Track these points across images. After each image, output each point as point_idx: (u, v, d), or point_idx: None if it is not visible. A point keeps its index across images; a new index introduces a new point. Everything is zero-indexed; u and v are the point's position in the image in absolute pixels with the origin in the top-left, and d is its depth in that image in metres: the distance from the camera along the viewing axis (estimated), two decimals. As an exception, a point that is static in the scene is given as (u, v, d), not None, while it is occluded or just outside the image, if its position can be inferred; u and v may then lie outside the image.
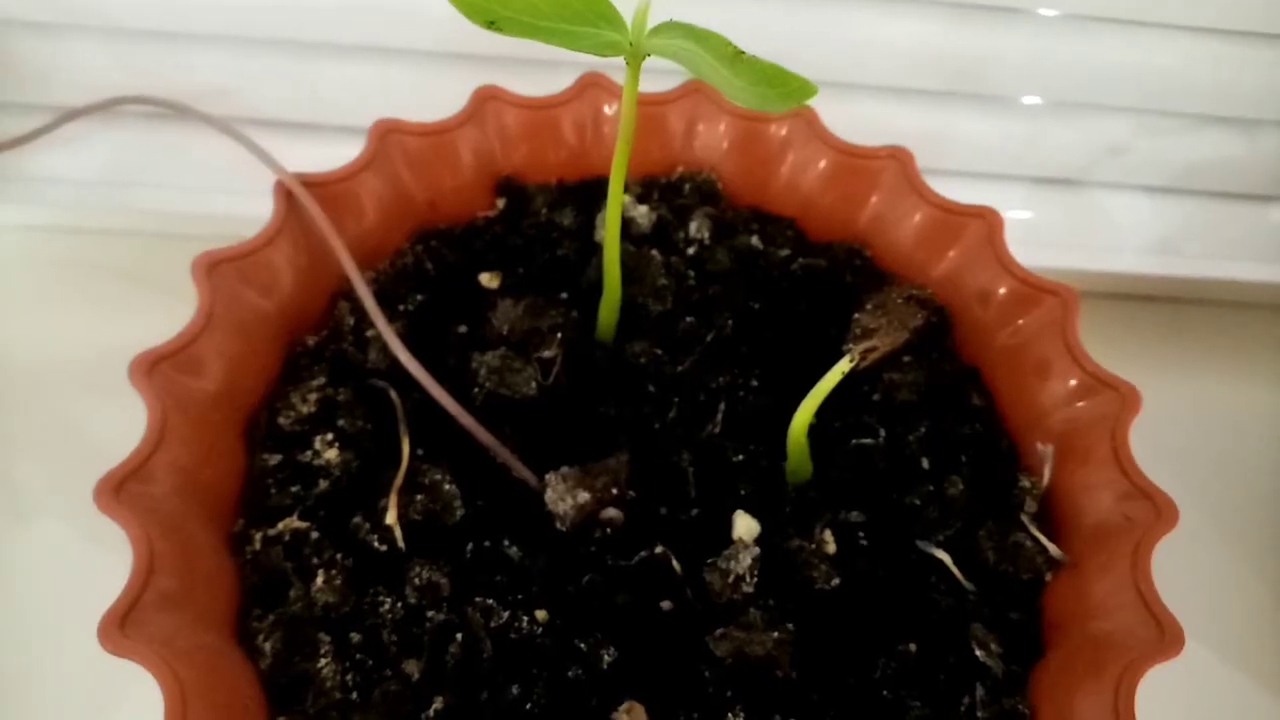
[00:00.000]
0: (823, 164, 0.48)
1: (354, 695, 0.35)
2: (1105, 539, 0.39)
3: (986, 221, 0.45)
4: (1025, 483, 0.41)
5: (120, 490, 0.34)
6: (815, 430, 0.43)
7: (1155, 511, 0.37)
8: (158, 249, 0.56)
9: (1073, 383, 0.42)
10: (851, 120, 0.49)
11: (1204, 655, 0.52)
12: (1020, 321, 0.44)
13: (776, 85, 0.33)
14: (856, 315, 0.40)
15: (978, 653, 0.37)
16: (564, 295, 0.46)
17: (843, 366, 0.38)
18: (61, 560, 0.49)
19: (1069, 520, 0.41)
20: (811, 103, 0.49)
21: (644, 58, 0.33)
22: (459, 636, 0.36)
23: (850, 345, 0.39)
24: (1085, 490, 0.40)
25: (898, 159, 0.47)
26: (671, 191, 0.50)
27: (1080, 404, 0.42)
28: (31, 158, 0.57)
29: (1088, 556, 0.39)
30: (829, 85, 0.57)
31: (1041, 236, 0.63)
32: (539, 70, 0.50)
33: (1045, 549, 0.40)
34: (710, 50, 0.33)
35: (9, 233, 0.62)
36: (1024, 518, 0.40)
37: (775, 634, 0.36)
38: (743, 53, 0.33)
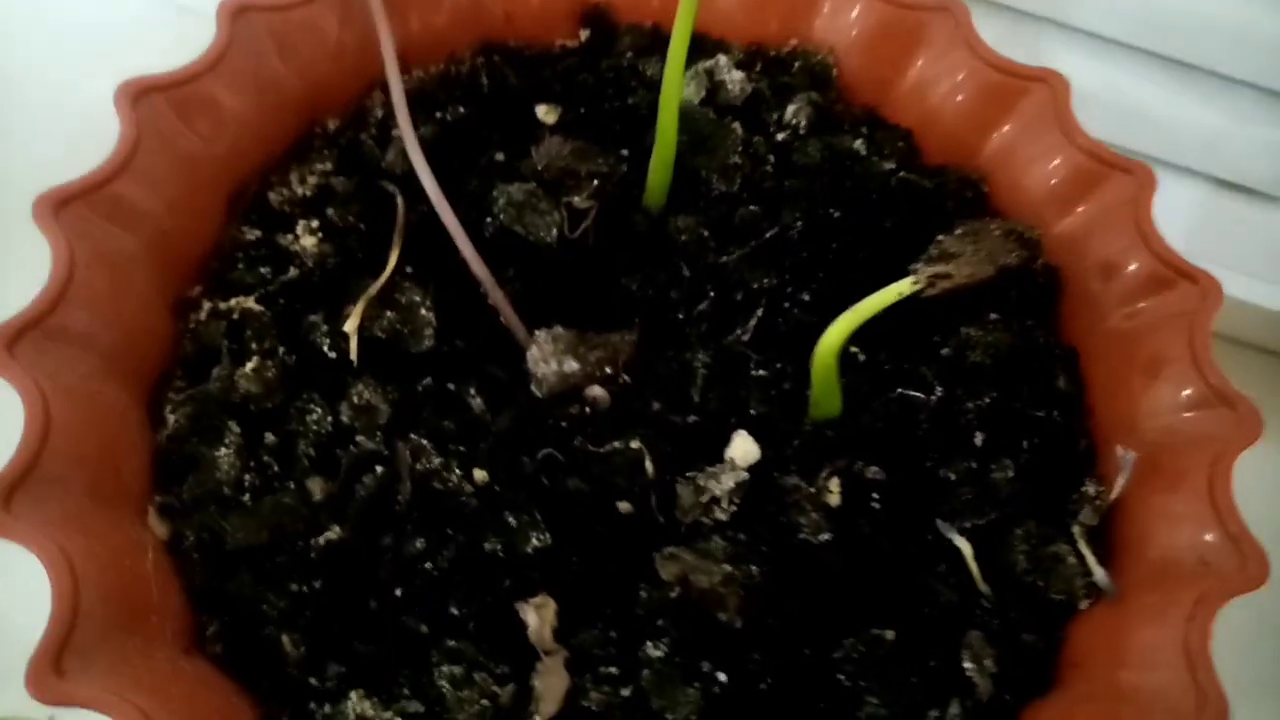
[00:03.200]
0: (960, 75, 0.41)
1: (245, 496, 0.31)
2: (1168, 580, 0.31)
3: (1136, 179, 0.37)
4: (1090, 489, 0.34)
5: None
6: (862, 367, 0.37)
7: (1239, 562, 0.30)
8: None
9: (1186, 392, 0.34)
10: (1010, 51, 0.41)
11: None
12: (1142, 304, 0.36)
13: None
14: (940, 236, 0.33)
15: (967, 665, 0.30)
16: (624, 151, 0.40)
17: (901, 287, 0.31)
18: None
19: (1131, 546, 0.33)
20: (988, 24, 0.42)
21: None
22: (379, 469, 0.31)
23: (920, 265, 0.32)
24: (1162, 517, 0.33)
25: (1049, 85, 0.39)
26: (778, 66, 0.43)
27: (1186, 416, 0.34)
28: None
29: (1140, 594, 0.31)
30: (1000, 5, 0.49)
31: (1207, 249, 0.54)
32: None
33: (1089, 571, 0.32)
34: None
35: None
36: (1075, 528, 0.33)
37: (730, 569, 0.30)
38: None
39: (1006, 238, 0.33)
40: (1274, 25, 0.47)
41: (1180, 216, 0.55)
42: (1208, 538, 0.31)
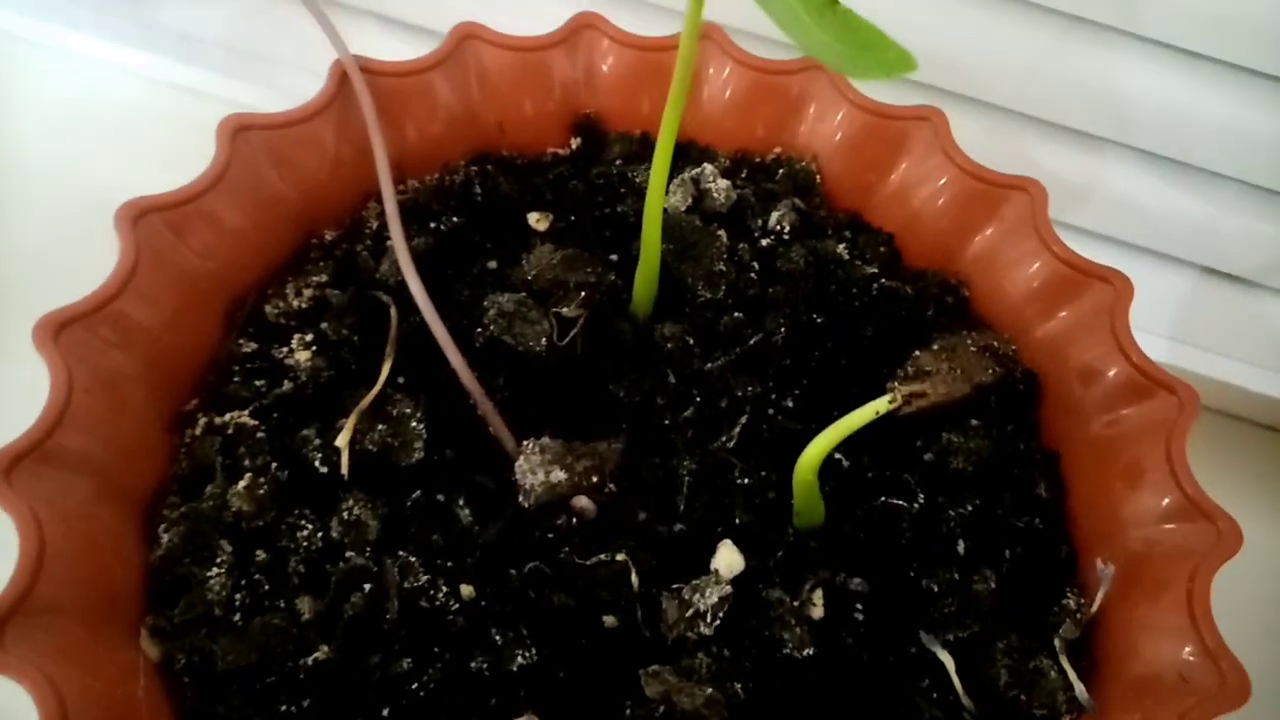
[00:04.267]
0: (941, 181, 0.42)
1: (236, 617, 0.31)
2: (1147, 696, 0.31)
3: (1114, 288, 0.38)
4: (1071, 602, 0.34)
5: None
6: (845, 474, 0.37)
7: (1219, 681, 0.30)
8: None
9: (1165, 501, 0.35)
10: (995, 149, 0.42)
11: None
12: (1123, 412, 0.37)
13: (869, 49, 0.27)
14: (917, 352, 0.33)
15: (951, 785, 0.30)
16: (613, 257, 0.41)
17: (879, 405, 0.32)
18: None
19: (1111, 661, 0.33)
20: (954, 117, 0.43)
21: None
22: (367, 587, 0.32)
23: (896, 384, 0.33)
24: (1142, 631, 0.33)
25: (1028, 193, 0.40)
26: (763, 173, 0.44)
27: (1166, 527, 0.34)
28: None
29: (1121, 710, 0.32)
30: (977, 102, 0.50)
31: (1190, 332, 0.54)
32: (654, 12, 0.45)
33: (1070, 686, 0.32)
34: (796, -10, 0.27)
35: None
36: (1057, 642, 0.33)
37: (712, 691, 0.30)
38: (836, 2, 0.27)
39: (982, 354, 0.34)
40: (1256, 123, 0.48)
41: (1169, 303, 0.56)
42: (1187, 654, 0.31)
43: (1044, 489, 0.37)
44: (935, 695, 0.33)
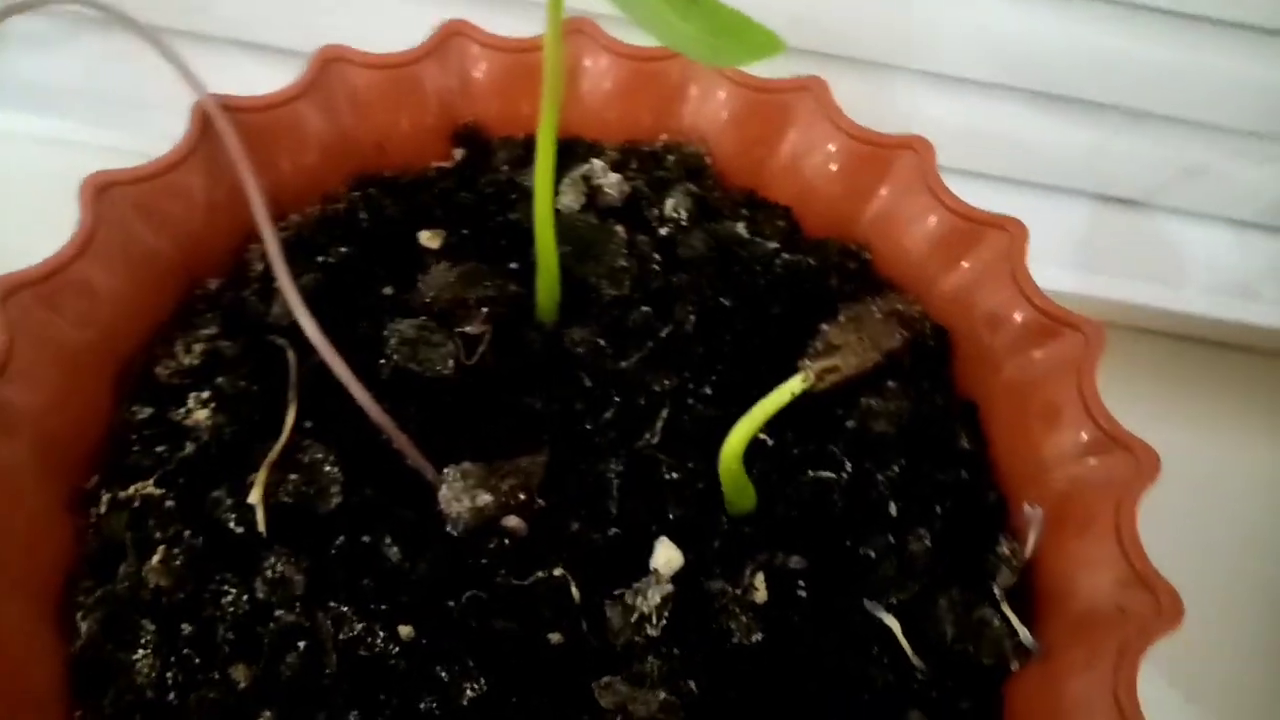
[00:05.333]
0: (829, 148, 0.42)
1: (171, 696, 0.30)
2: (1090, 630, 0.32)
3: (1008, 234, 0.38)
4: (1005, 548, 0.35)
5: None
6: (770, 454, 0.37)
7: (1156, 606, 0.30)
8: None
9: (1082, 436, 0.35)
10: (878, 105, 0.43)
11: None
12: (1032, 355, 0.37)
13: (735, 36, 0.27)
14: (823, 326, 0.33)
15: (911, 747, 0.31)
16: (513, 265, 0.40)
17: (793, 386, 0.32)
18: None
19: (1052, 600, 0.34)
20: (831, 79, 0.43)
21: (566, -16, 0.27)
22: (301, 645, 0.31)
23: (807, 362, 0.33)
24: (1077, 567, 0.34)
25: (915, 151, 0.40)
26: (653, 161, 0.44)
27: (1088, 462, 0.35)
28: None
29: (1066, 648, 0.32)
30: (852, 62, 0.51)
31: (1097, 261, 0.56)
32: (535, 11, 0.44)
33: (1015, 631, 0.33)
34: (652, -17, 0.27)
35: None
36: (996, 590, 0.34)
37: (665, 694, 0.30)
38: (695, -9, 0.27)
39: (889, 320, 0.33)
40: (1128, 49, 0.49)
41: (1069, 234, 0.57)
42: (1121, 584, 0.32)
43: (966, 440, 0.38)
44: (886, 660, 0.33)
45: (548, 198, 0.33)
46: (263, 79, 0.41)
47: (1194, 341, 0.61)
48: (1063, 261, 0.56)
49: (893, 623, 0.33)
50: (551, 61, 0.29)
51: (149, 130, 0.53)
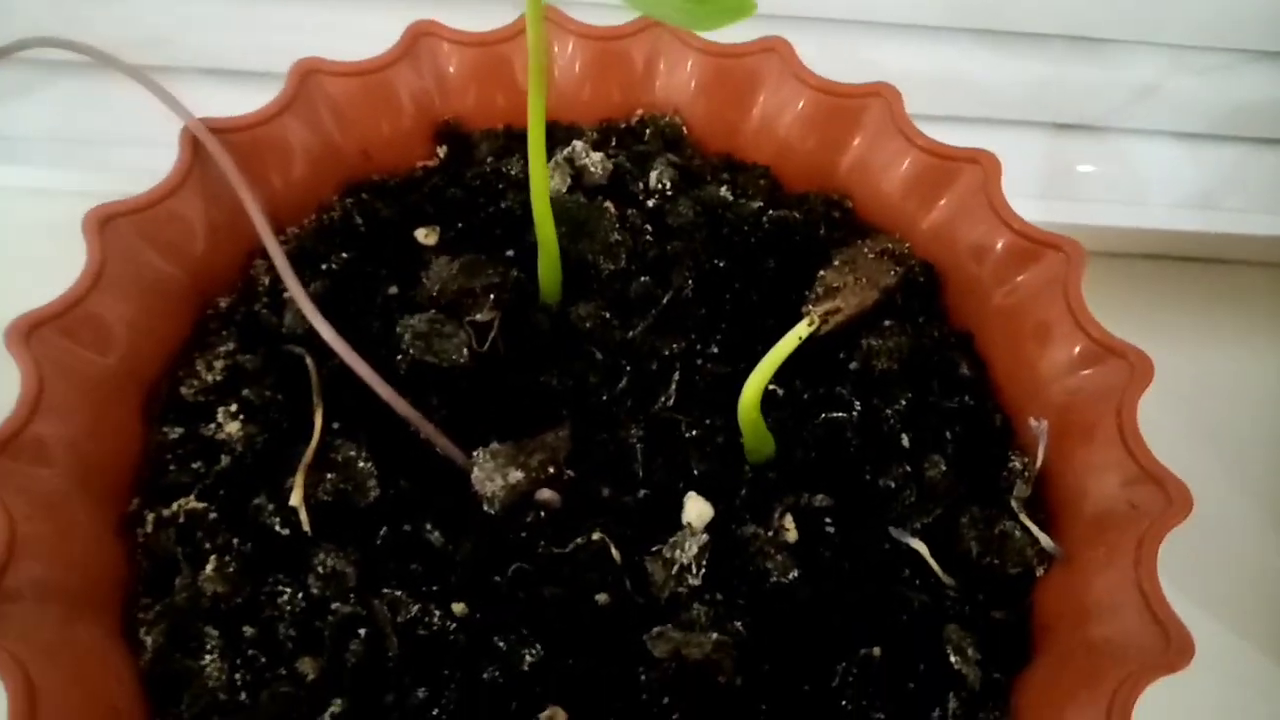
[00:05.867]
0: (800, 104, 0.43)
1: (242, 696, 0.31)
2: (1106, 529, 0.34)
3: (981, 167, 0.40)
4: (1016, 463, 0.36)
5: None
6: (782, 402, 0.38)
7: (1165, 499, 0.32)
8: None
9: (1076, 349, 0.37)
10: (838, 60, 0.44)
11: (1225, 644, 0.46)
12: (1018, 279, 0.39)
13: (710, 1, 0.28)
14: (821, 272, 0.35)
15: (952, 659, 0.32)
16: (509, 253, 0.41)
17: (800, 331, 0.33)
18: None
19: (1067, 507, 0.36)
20: (795, 41, 0.44)
21: (548, -33, 0.28)
22: (362, 632, 0.32)
23: (810, 306, 0.34)
24: (1086, 473, 0.35)
25: (883, 97, 0.41)
26: (631, 137, 0.45)
27: (1084, 373, 0.37)
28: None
29: (1085, 549, 0.34)
30: (811, 20, 0.52)
31: (1061, 189, 0.58)
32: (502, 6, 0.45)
33: (1036, 539, 0.35)
34: (628, -42, 0.28)
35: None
36: (1014, 503, 0.36)
37: (717, 635, 0.32)
38: (672, -38, 0.28)
39: (881, 258, 0.35)
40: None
41: (1031, 163, 0.59)
42: (1130, 482, 0.34)
43: (966, 367, 0.39)
44: (918, 582, 0.35)
45: (543, 182, 0.34)
46: (234, 103, 0.42)
47: (1161, 258, 0.63)
48: (1026, 192, 0.58)
49: (920, 546, 0.35)
50: (536, 49, 0.30)
51: (114, 167, 0.54)
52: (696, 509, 0.35)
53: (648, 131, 0.45)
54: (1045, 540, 0.34)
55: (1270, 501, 0.52)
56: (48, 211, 0.57)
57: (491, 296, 0.39)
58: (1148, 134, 0.58)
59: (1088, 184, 0.59)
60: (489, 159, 0.44)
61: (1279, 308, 0.62)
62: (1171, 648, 0.29)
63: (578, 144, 0.43)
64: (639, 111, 0.46)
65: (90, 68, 0.50)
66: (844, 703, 0.32)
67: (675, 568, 0.34)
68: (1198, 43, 0.55)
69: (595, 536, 0.34)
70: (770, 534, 0.35)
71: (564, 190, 0.42)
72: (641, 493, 0.36)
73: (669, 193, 0.43)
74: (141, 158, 0.55)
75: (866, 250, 0.35)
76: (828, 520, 0.36)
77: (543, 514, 0.35)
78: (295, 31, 0.53)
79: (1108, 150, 0.58)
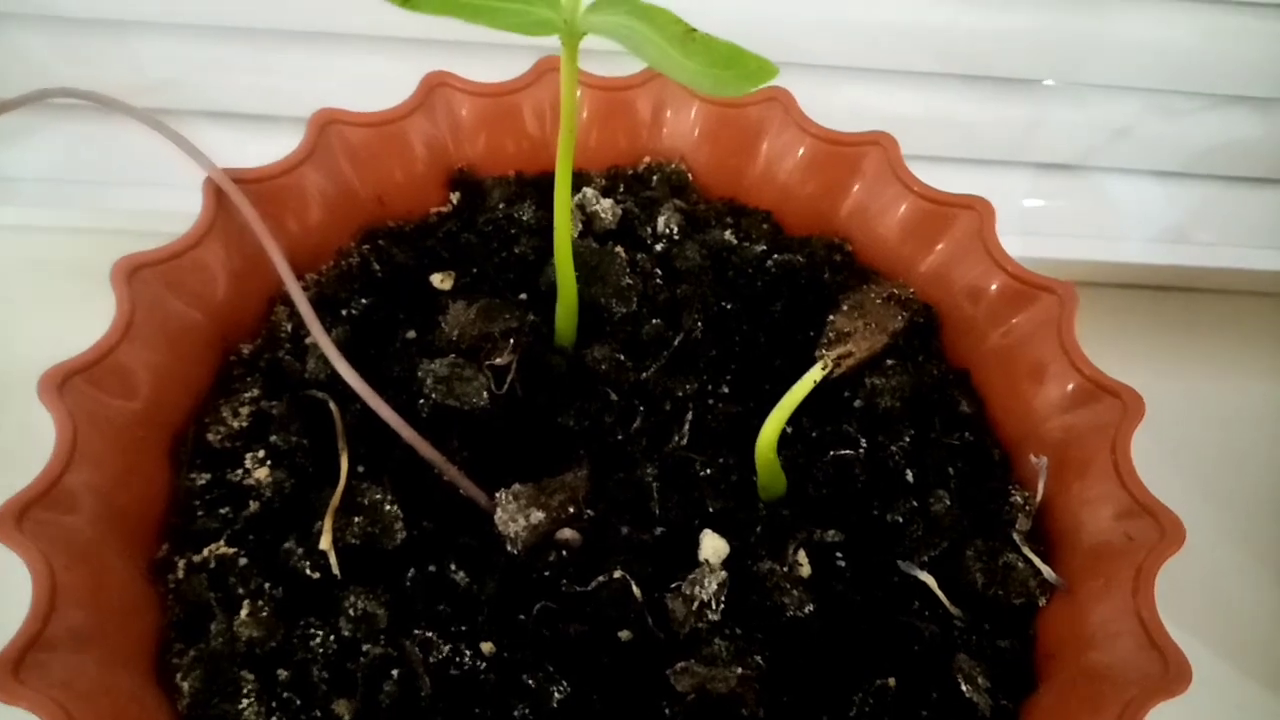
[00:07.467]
0: (800, 151, 0.45)
1: (279, 739, 0.32)
2: (1104, 560, 0.35)
3: (976, 212, 0.42)
4: (1017, 498, 0.38)
5: (23, 518, 0.32)
6: (791, 440, 0.40)
7: (1159, 531, 0.34)
8: (119, 247, 0.54)
9: (1070, 387, 0.39)
10: (833, 106, 0.46)
11: (1219, 671, 0.48)
12: (1014, 320, 0.41)
13: (733, 66, 0.30)
14: (831, 317, 0.37)
15: (963, 687, 0.34)
16: (522, 296, 0.43)
17: (814, 375, 0.35)
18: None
19: (1066, 539, 0.37)
20: (791, 88, 0.46)
21: (581, 37, 0.30)
22: (395, 673, 0.33)
23: (823, 351, 0.36)
24: (1083, 506, 0.37)
25: (880, 145, 0.43)
26: (639, 183, 0.46)
27: (1078, 411, 0.38)
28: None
29: (1085, 579, 0.36)
30: (806, 68, 0.54)
31: (1044, 226, 0.60)
32: (513, 55, 0.46)
33: (1038, 570, 0.36)
34: (656, 28, 0.30)
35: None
36: (1016, 536, 0.37)
37: (740, 669, 0.33)
38: (694, 30, 0.29)
39: (888, 303, 0.37)
40: (1049, 30, 0.53)
41: (1014, 202, 0.61)
42: (1125, 514, 0.35)
43: (965, 405, 0.41)
44: (927, 613, 0.36)
45: (566, 230, 0.36)
46: (240, 146, 0.43)
47: (1136, 288, 0.65)
48: (1009, 229, 0.60)
49: (928, 578, 0.36)
50: (566, 114, 0.32)
51: (112, 209, 0.55)
52: (713, 545, 0.37)
53: (654, 178, 0.46)
54: (1047, 571, 0.36)
55: (1248, 524, 0.54)
56: (44, 251, 0.58)
57: (510, 340, 0.40)
58: (1122, 172, 0.60)
59: (1065, 219, 0.61)
60: (501, 205, 0.45)
61: (1247, 334, 0.65)
62: (1170, 673, 0.31)
63: (588, 190, 0.44)
64: (646, 158, 0.47)
65: (93, 110, 0.51)
66: (862, 732, 0.33)
67: (695, 604, 0.35)
68: (1166, 87, 0.57)
69: (616, 574, 0.36)
70: (785, 569, 0.36)
71: (575, 235, 0.44)
72: (659, 530, 0.37)
73: (676, 237, 0.44)
74: (142, 198, 0.56)
75: (873, 295, 0.37)
76: (839, 555, 0.37)
77: (564, 553, 0.36)
78: (301, 77, 0.54)
79: (1085, 188, 0.61)
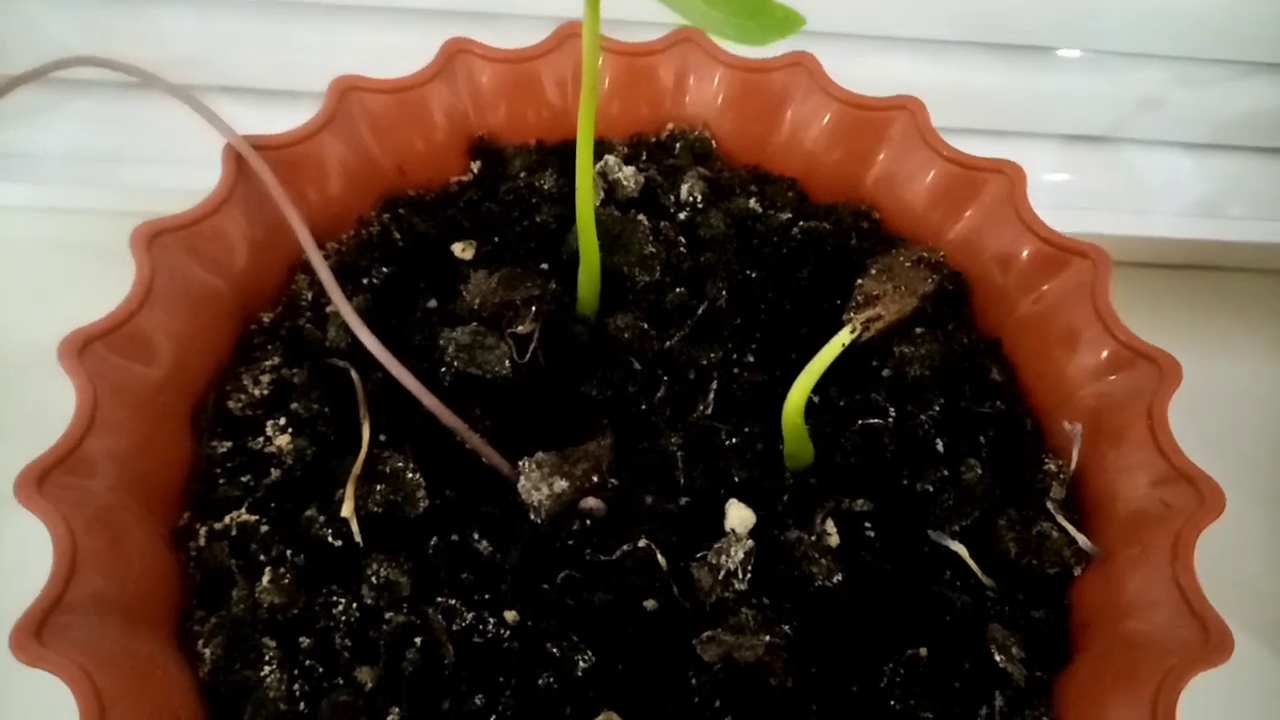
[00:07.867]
0: (826, 118, 0.44)
1: (301, 706, 0.32)
2: (1141, 528, 0.34)
3: (1007, 177, 0.41)
4: (1051, 466, 0.37)
5: (44, 482, 0.31)
6: (819, 409, 0.39)
7: (1198, 497, 0.33)
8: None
9: (1104, 354, 0.38)
10: (861, 75, 0.45)
11: (1256, 652, 0.47)
12: (1045, 287, 0.40)
13: (758, 16, 0.29)
14: (859, 280, 0.36)
15: (997, 657, 0.33)
16: (544, 266, 0.42)
17: (842, 338, 0.34)
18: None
19: (1101, 507, 0.36)
20: (818, 55, 0.45)
21: (605, -13, 0.29)
22: (418, 641, 0.33)
23: (851, 314, 0.35)
24: (1119, 474, 0.36)
25: (908, 110, 0.42)
26: (662, 151, 0.46)
27: (1113, 377, 0.38)
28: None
29: (1121, 548, 0.35)
30: (825, 35, 0.53)
31: (1071, 199, 0.59)
32: (533, 26, 0.46)
33: (1073, 539, 0.35)
34: (682, -24, 0.29)
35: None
36: (1049, 505, 0.36)
37: (768, 637, 0.32)
38: (720, -20, 0.29)
39: (917, 266, 0.36)
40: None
41: (1042, 174, 0.60)
42: (1162, 482, 0.35)
43: (996, 373, 0.40)
44: (958, 583, 0.35)
45: (589, 196, 0.35)
46: (260, 121, 0.42)
47: (1164, 268, 0.64)
48: (1038, 203, 0.59)
49: (959, 548, 0.36)
50: (588, 72, 0.31)
51: (127, 186, 0.55)
52: (739, 515, 0.36)
53: (678, 145, 0.46)
54: (1083, 540, 0.35)
55: (1275, 505, 0.53)
56: (62, 230, 0.57)
57: (532, 309, 0.39)
58: (1152, 144, 0.59)
59: (1094, 193, 0.60)
60: (522, 174, 0.45)
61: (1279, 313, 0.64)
62: (1211, 642, 0.30)
63: (610, 159, 0.43)
64: (669, 126, 0.46)
65: (110, 86, 0.51)
66: (892, 702, 0.32)
67: (722, 573, 0.34)
68: (1196, 55, 0.56)
69: (641, 544, 0.35)
70: (813, 539, 0.35)
71: (597, 204, 0.43)
72: (684, 500, 0.37)
73: (700, 205, 0.44)
74: (163, 175, 0.56)
75: (902, 259, 0.36)
76: (868, 524, 0.36)
77: (588, 522, 0.36)
78: (319, 51, 0.53)
79: (1114, 160, 0.60)
